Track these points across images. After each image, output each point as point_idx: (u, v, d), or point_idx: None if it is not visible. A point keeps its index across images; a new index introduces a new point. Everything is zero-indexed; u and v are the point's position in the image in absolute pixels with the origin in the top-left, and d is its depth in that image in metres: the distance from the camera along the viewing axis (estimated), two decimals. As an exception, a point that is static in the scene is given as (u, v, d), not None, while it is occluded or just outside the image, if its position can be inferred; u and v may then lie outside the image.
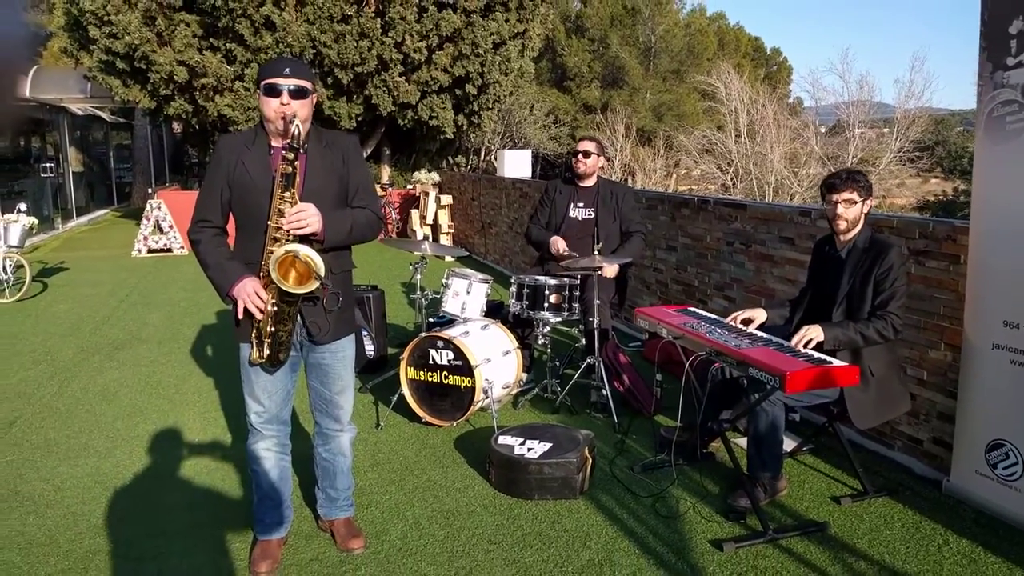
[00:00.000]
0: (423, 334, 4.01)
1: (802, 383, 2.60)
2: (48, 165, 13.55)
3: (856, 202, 3.07)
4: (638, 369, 4.42)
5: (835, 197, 3.09)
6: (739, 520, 3.01)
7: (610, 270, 4.41)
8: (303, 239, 2.42)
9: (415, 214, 11.61)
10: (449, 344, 3.89)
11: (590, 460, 3.33)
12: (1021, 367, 2.86)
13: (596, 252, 4.20)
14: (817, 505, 3.16)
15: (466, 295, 4.46)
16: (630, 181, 23.36)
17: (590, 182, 4.71)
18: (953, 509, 3.10)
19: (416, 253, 4.46)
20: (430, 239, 10.48)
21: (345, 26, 10.43)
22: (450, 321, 4.54)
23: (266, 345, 2.48)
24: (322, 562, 2.75)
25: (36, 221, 8.13)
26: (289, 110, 2.42)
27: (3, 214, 7.82)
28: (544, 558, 2.76)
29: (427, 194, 11.36)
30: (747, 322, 3.28)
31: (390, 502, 3.22)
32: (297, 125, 2.35)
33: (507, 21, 11.30)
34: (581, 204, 4.70)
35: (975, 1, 3.04)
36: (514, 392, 4.34)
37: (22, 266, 7.73)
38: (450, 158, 16.99)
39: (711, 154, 24.85)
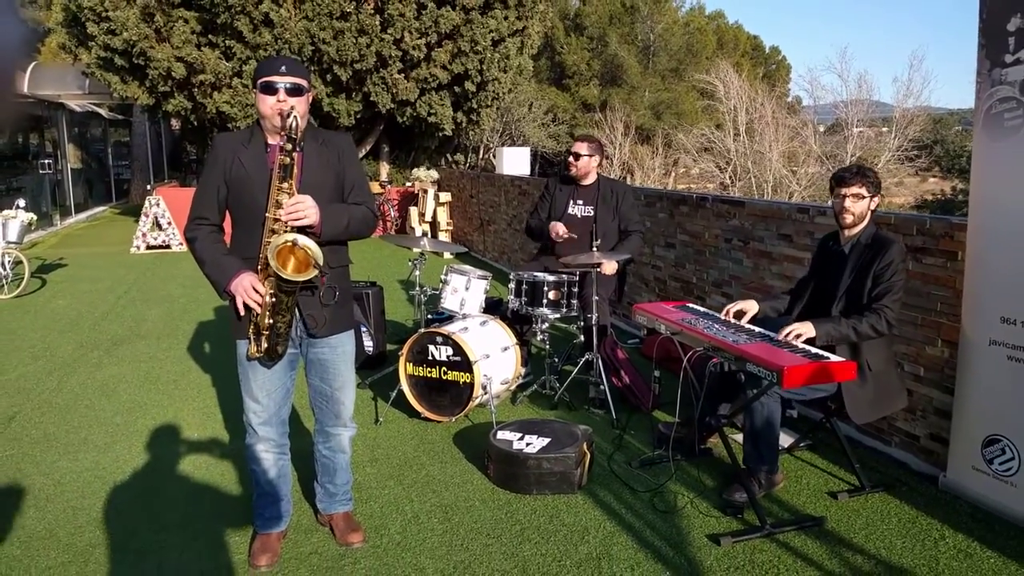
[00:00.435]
0: (422, 330, 4.02)
1: (800, 378, 2.61)
2: (46, 162, 13.53)
3: (864, 197, 3.09)
4: (636, 365, 4.43)
5: (844, 191, 3.11)
6: (736, 515, 3.02)
7: (609, 267, 4.42)
8: (300, 231, 2.43)
9: (414, 211, 11.61)
10: (448, 340, 3.90)
11: (588, 455, 3.34)
12: (1018, 363, 2.87)
13: (595, 249, 4.21)
14: (814, 500, 3.18)
15: (465, 291, 4.46)
16: (629, 179, 23.37)
17: (590, 180, 4.72)
18: (949, 504, 3.11)
19: (415, 250, 4.47)
20: (429, 236, 10.50)
21: (344, 23, 10.42)
22: (449, 317, 4.55)
23: (264, 338, 2.49)
24: (321, 556, 2.76)
25: (35, 217, 8.12)
26: (286, 107, 2.44)
27: (1, 210, 7.82)
28: (542, 552, 2.78)
29: (426, 191, 11.35)
30: (739, 314, 3.29)
31: (389, 496, 3.23)
32: (295, 117, 2.36)
33: (506, 18, 11.29)
34: (581, 202, 4.71)
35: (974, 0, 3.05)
36: (513, 388, 4.35)
37: (21, 262, 7.73)
38: (449, 155, 16.98)
39: (710, 152, 24.85)
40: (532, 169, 14.68)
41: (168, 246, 10.84)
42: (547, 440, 3.34)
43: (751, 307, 3.33)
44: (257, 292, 2.44)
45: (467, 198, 10.90)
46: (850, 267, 3.14)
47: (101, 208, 17.11)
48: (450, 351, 3.90)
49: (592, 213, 4.64)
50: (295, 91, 2.47)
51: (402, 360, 4.02)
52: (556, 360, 4.66)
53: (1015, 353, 2.88)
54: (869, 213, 3.14)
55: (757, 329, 3.14)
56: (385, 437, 3.87)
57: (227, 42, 10.58)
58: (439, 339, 3.93)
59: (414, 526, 2.98)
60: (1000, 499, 2.98)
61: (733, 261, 4.93)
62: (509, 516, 3.05)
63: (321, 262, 2.40)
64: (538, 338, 4.45)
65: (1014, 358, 2.89)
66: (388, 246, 10.62)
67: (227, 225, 2.63)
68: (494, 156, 18.00)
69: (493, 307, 4.87)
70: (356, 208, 2.61)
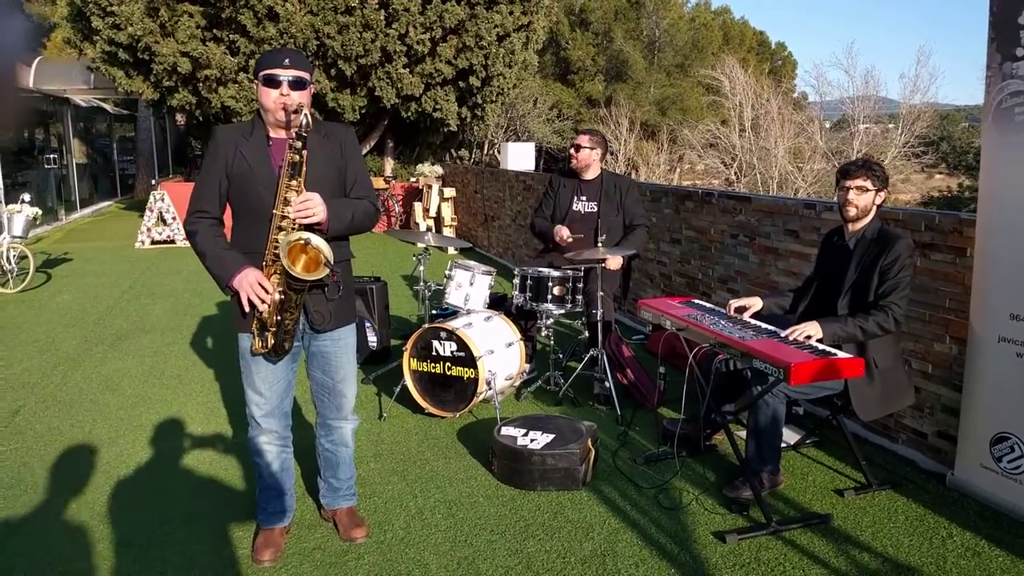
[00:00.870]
0: (426, 325, 4.01)
1: (807, 375, 2.59)
2: (52, 156, 13.54)
3: (868, 190, 3.06)
4: (641, 361, 4.41)
5: (848, 183, 3.08)
6: (742, 512, 3.00)
7: (614, 262, 4.40)
8: (308, 228, 2.41)
9: (418, 207, 11.59)
10: (452, 335, 3.89)
11: (593, 451, 3.33)
12: (1027, 360, 2.85)
13: (600, 245, 4.19)
14: (820, 497, 3.16)
15: (469, 287, 4.45)
16: (634, 175, 23.31)
17: (593, 175, 4.69)
18: (957, 502, 3.09)
19: (419, 245, 4.45)
20: (433, 231, 10.48)
21: (349, 17, 10.39)
22: (453, 313, 4.54)
23: (270, 335, 2.48)
24: (325, 551, 2.75)
25: (39, 212, 8.13)
26: (289, 100, 2.42)
27: (6, 205, 7.83)
28: (547, 548, 2.76)
29: (430, 187, 11.34)
30: (741, 310, 3.27)
31: (393, 492, 3.22)
32: (305, 115, 2.34)
33: (511, 13, 11.24)
34: (584, 197, 4.68)
35: (980, -5, 3.01)
36: (517, 384, 4.33)
37: (26, 257, 7.74)
38: (453, 151, 16.95)
39: (715, 148, 24.78)
40: (537, 164, 14.65)
41: (173, 241, 10.85)
42: (551, 436, 3.32)
43: (755, 303, 3.30)
44: (263, 288, 2.42)
45: (471, 193, 10.88)
46: (855, 262, 3.11)
47: (106, 203, 17.14)
48: (454, 347, 3.89)
49: (596, 209, 4.62)
50: (298, 84, 2.45)
51: (406, 355, 4.01)
52: (561, 356, 4.64)
53: (1024, 350, 2.85)
54: (874, 207, 3.11)
55: (764, 325, 3.12)
56: (389, 433, 3.86)
57: (232, 37, 10.56)
58: (443, 334, 3.92)
59: (418, 522, 2.97)
60: (1009, 497, 2.96)
61: (739, 257, 4.90)
62: (513, 512, 3.03)
63: (332, 261, 2.38)
64: (543, 334, 4.43)
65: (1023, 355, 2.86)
66: (392, 241, 10.61)
67: (227, 218, 2.62)
68: (499, 151, 17.98)
69: (497, 303, 4.86)
70: (359, 202, 2.60)
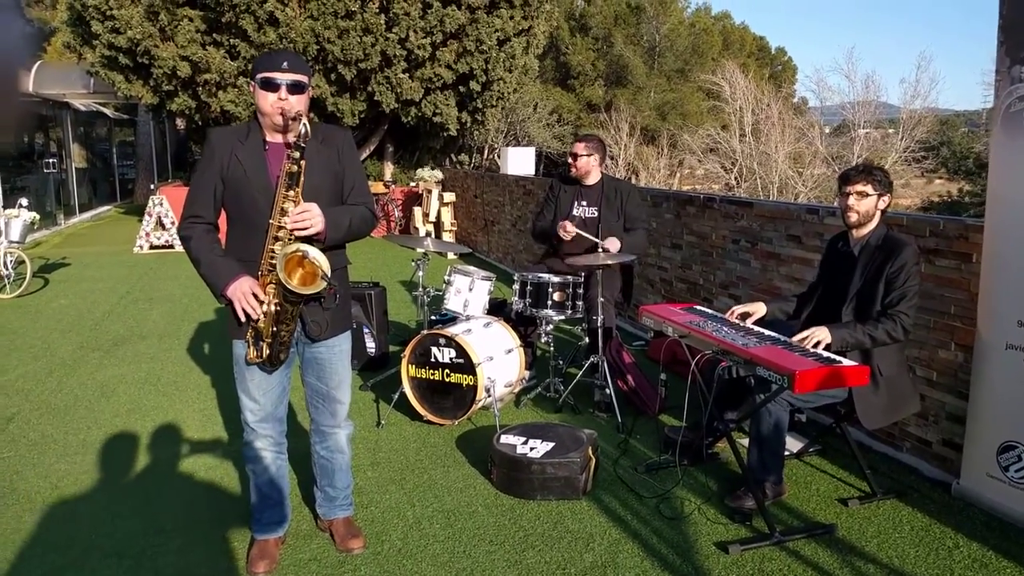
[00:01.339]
0: (425, 331, 3.97)
1: (811, 383, 2.55)
2: (51, 161, 13.52)
3: (869, 195, 3.02)
4: (642, 368, 4.37)
5: (848, 188, 3.05)
6: (745, 522, 2.95)
7: (612, 244, 4.31)
8: (307, 239, 2.37)
9: (418, 211, 11.56)
10: (451, 342, 3.84)
11: (593, 460, 3.28)
12: (1035, 368, 2.80)
13: (601, 252, 4.15)
14: (824, 507, 3.11)
15: (468, 292, 4.41)
16: (634, 180, 23.29)
17: (593, 180, 4.66)
18: (963, 512, 3.04)
19: (418, 250, 4.41)
20: (432, 236, 10.44)
21: (349, 22, 10.37)
22: (452, 319, 4.50)
23: (265, 346, 2.44)
24: (321, 562, 2.71)
25: (37, 216, 8.10)
26: (287, 105, 2.38)
27: (4, 210, 7.80)
28: (546, 559, 2.71)
29: (430, 192, 11.30)
30: (744, 316, 3.23)
31: (390, 501, 3.17)
32: (305, 124, 2.30)
33: (512, 18, 11.23)
34: (585, 203, 4.64)
35: (981, 2, 2.98)
36: (516, 390, 4.29)
37: (23, 262, 7.71)
38: (453, 155, 16.92)
39: (715, 153, 24.76)
40: (536, 169, 14.61)
41: (171, 246, 10.81)
42: (551, 444, 3.28)
43: (758, 309, 3.26)
44: (256, 299, 2.38)
45: (471, 198, 10.85)
46: (860, 269, 3.07)
47: (105, 207, 17.10)
48: (453, 353, 3.84)
49: (596, 214, 4.58)
50: (297, 88, 2.41)
51: (404, 362, 3.96)
52: (561, 363, 4.60)
53: (1032, 358, 2.81)
54: (878, 213, 3.07)
55: (767, 332, 3.08)
56: (387, 440, 3.82)
57: (232, 41, 10.55)
58: (442, 341, 3.87)
59: (416, 532, 2.92)
60: (1016, 507, 2.91)
61: (741, 262, 4.86)
62: (513, 522, 2.99)
63: (329, 274, 2.34)
64: (542, 340, 4.39)
65: (1031, 363, 2.82)
66: (391, 246, 10.56)
67: (221, 223, 2.58)
68: (499, 156, 17.96)
69: (497, 308, 4.82)
70: (356, 209, 2.56)
